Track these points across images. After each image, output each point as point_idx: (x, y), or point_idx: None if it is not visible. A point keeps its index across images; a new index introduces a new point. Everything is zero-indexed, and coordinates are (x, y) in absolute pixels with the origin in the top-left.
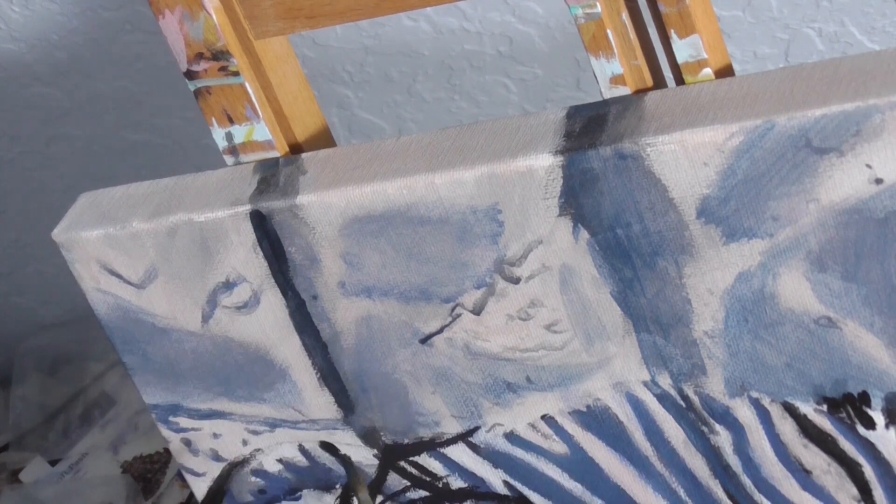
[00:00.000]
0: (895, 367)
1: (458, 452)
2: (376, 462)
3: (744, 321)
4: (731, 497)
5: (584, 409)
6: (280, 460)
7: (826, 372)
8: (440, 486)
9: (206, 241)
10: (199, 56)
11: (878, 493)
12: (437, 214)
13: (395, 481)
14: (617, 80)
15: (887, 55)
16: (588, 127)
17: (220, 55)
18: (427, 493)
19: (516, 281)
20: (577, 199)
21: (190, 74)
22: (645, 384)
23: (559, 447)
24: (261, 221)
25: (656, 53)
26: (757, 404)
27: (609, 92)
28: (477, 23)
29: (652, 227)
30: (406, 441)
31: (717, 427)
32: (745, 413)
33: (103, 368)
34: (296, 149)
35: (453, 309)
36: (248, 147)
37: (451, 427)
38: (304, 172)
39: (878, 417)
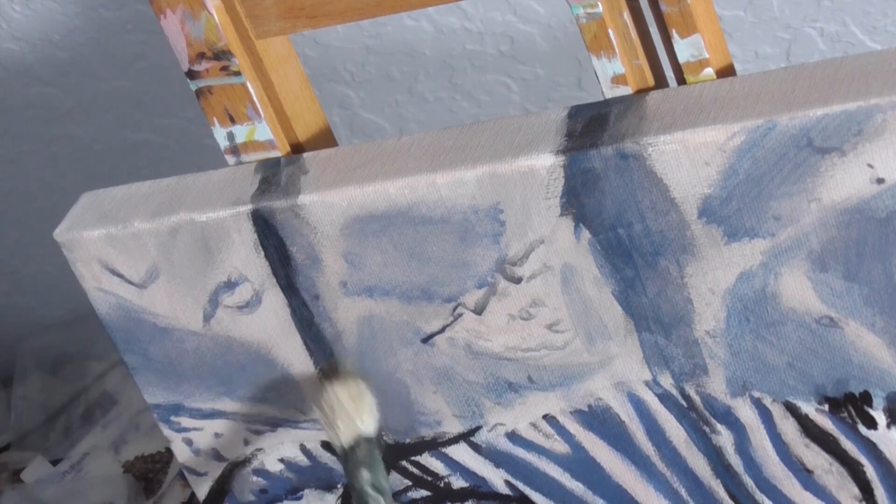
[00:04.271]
0: None
1: (460, 452)
2: None
3: (745, 321)
4: (732, 497)
5: (586, 409)
6: (281, 460)
7: (828, 372)
8: (442, 485)
9: (208, 240)
10: (201, 56)
11: (880, 492)
12: (439, 214)
13: (396, 481)
14: (618, 79)
15: (889, 55)
16: (589, 126)
17: (221, 55)
18: (428, 493)
19: (518, 280)
20: (578, 198)
21: (191, 74)
22: (646, 384)
23: (561, 447)
24: (262, 221)
25: (658, 53)
26: (758, 404)
27: (610, 91)
28: (478, 22)
29: (653, 227)
30: (408, 440)
31: (719, 427)
32: (746, 413)
33: (105, 368)
34: (297, 148)
35: (455, 308)
36: (249, 147)
37: (453, 426)
38: (306, 172)
39: (880, 417)
